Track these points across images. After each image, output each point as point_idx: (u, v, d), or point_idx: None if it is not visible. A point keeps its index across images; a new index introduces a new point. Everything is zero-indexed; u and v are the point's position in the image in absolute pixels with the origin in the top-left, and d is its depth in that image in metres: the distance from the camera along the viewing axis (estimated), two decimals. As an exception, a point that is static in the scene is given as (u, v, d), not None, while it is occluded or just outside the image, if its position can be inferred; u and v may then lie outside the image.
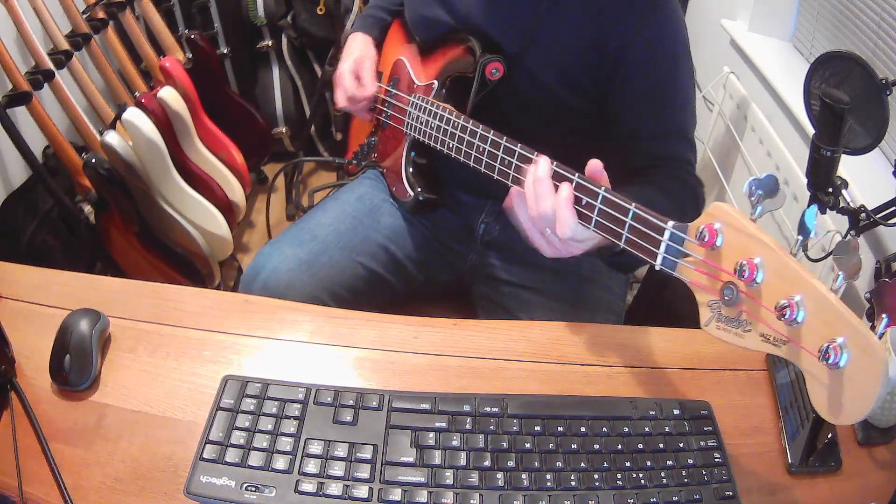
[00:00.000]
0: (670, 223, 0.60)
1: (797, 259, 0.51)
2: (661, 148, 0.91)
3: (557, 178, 0.70)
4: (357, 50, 1.11)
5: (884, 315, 0.52)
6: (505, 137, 0.80)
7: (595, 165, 0.68)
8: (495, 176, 0.82)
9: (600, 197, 0.66)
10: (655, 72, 0.88)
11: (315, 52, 2.21)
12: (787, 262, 0.50)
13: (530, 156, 0.75)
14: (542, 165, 0.71)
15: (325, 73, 2.13)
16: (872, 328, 0.48)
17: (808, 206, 0.76)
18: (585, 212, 0.68)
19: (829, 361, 0.46)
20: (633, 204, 0.63)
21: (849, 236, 0.60)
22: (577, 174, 0.69)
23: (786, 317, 0.49)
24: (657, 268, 0.61)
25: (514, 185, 0.79)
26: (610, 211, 0.65)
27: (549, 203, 0.69)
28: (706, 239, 0.55)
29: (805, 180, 0.77)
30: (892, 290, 0.58)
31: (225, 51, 2.11)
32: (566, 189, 0.68)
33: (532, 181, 0.71)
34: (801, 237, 0.52)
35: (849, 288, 0.49)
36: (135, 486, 0.64)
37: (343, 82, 1.08)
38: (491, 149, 0.82)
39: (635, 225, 0.63)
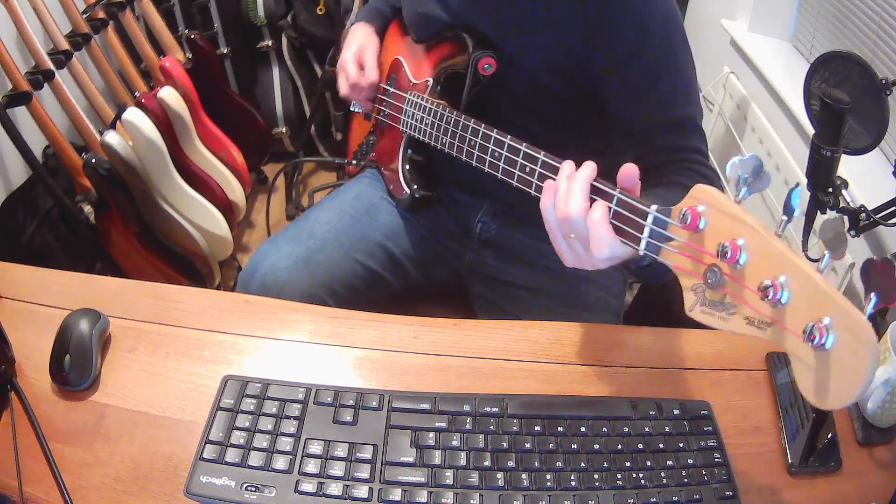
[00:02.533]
0: (653, 206, 0.59)
1: (782, 239, 0.49)
2: (668, 140, 0.88)
3: (598, 192, 0.66)
4: (360, 38, 1.11)
5: (872, 294, 0.51)
6: (496, 130, 0.80)
7: (629, 170, 0.65)
8: (486, 168, 0.82)
9: (615, 198, 0.65)
10: (651, 58, 0.85)
11: (315, 52, 2.21)
12: (772, 243, 0.48)
13: (526, 150, 0.74)
14: (584, 167, 0.67)
15: (325, 73, 2.13)
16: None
17: (809, 208, 0.76)
18: (627, 228, 0.65)
19: (815, 342, 0.44)
20: (618, 189, 0.63)
21: (836, 215, 0.59)
22: (617, 189, 0.64)
23: (769, 297, 0.47)
24: (641, 252, 0.60)
25: (504, 177, 0.79)
26: (593, 197, 0.65)
27: (577, 206, 0.65)
28: (689, 221, 0.54)
29: (805, 180, 0.77)
30: (879, 269, 0.57)
31: (225, 51, 2.11)
32: (601, 207, 0.64)
33: (565, 177, 0.68)
34: (785, 217, 0.50)
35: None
36: (135, 486, 0.64)
37: (346, 69, 1.08)
38: (482, 142, 0.82)
39: (619, 210, 0.63)
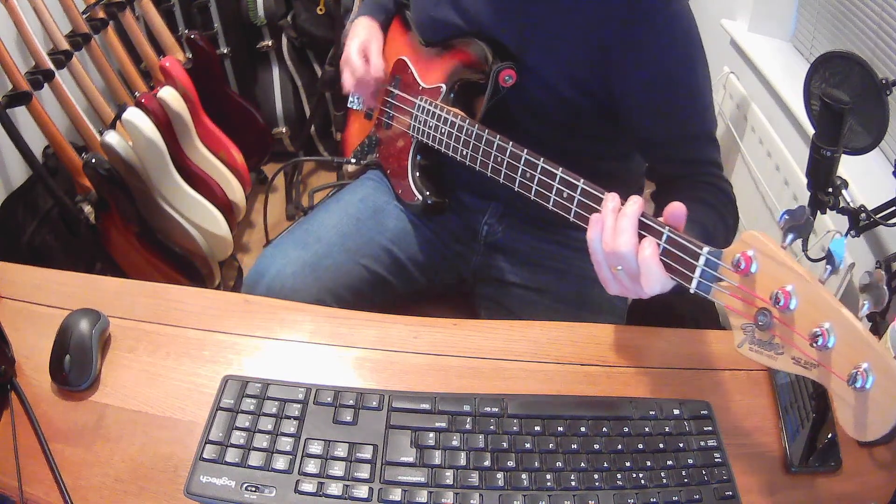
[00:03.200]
0: (706, 249, 0.61)
1: (825, 286, 0.53)
2: (686, 152, 0.89)
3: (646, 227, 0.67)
4: (363, 32, 1.09)
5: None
6: (526, 150, 0.79)
7: (677, 209, 0.65)
8: (516, 188, 0.81)
9: (665, 236, 0.65)
10: (671, 76, 0.86)
11: (315, 52, 2.21)
12: (818, 291, 0.53)
13: (569, 178, 0.73)
14: (630, 204, 0.67)
15: (325, 73, 2.13)
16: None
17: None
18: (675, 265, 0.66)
19: (857, 385, 0.49)
20: (667, 228, 0.64)
21: (875, 269, 0.62)
22: (667, 227, 0.65)
23: (818, 343, 0.52)
24: (692, 291, 0.63)
25: (538, 199, 0.78)
26: (643, 233, 0.65)
27: (627, 241, 0.65)
28: (742, 267, 0.57)
29: (805, 180, 0.77)
30: None
31: (225, 51, 2.11)
32: (651, 245, 0.64)
33: (611, 211, 0.67)
34: (829, 267, 0.54)
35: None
36: (135, 486, 0.64)
37: (351, 63, 1.06)
38: (510, 160, 0.81)
39: (670, 249, 0.64)
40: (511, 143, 0.81)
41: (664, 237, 0.64)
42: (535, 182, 0.78)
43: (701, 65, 0.88)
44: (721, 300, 0.61)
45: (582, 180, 0.73)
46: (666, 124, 0.89)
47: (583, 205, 0.72)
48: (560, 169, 0.75)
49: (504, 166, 0.82)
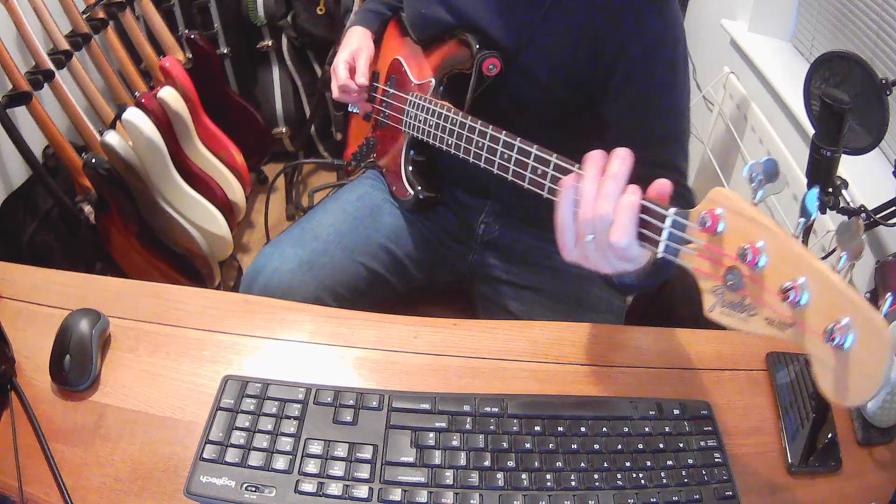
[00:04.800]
0: (672, 210, 0.59)
1: (799, 240, 0.50)
2: (654, 153, 0.88)
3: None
4: (355, 42, 1.11)
5: (889, 294, 0.52)
6: (504, 132, 0.80)
7: (662, 187, 0.62)
8: (494, 170, 0.82)
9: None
10: (652, 77, 0.88)
11: (315, 52, 2.21)
12: (790, 245, 0.49)
13: (536, 153, 0.73)
14: (618, 163, 0.62)
15: (325, 73, 2.13)
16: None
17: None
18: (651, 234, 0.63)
19: (835, 343, 0.46)
20: (637, 195, 0.62)
21: (852, 219, 0.60)
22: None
23: (790, 299, 0.48)
24: (659, 255, 0.60)
25: (515, 179, 0.78)
26: None
27: (610, 206, 0.61)
28: (708, 224, 0.54)
29: (805, 180, 0.77)
30: (894, 269, 0.58)
31: (225, 51, 2.11)
32: (635, 192, 0.61)
33: (593, 175, 0.63)
34: (803, 219, 0.51)
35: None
36: (135, 486, 0.64)
37: (337, 73, 1.08)
38: (490, 143, 0.82)
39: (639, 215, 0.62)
40: (491, 126, 0.82)
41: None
42: (513, 162, 0.77)
43: (682, 72, 0.90)
44: (688, 262, 0.57)
45: (555, 155, 0.71)
46: (639, 121, 0.90)
47: (556, 179, 0.71)
48: (535, 147, 0.74)
49: (485, 150, 0.83)
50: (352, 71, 1.08)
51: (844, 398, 0.47)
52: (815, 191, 0.51)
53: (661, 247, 0.60)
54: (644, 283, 0.71)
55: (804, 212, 0.51)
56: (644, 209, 0.61)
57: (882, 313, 0.46)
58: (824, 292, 0.47)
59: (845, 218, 0.79)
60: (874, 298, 0.76)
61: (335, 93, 1.10)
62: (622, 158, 0.62)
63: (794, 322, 0.49)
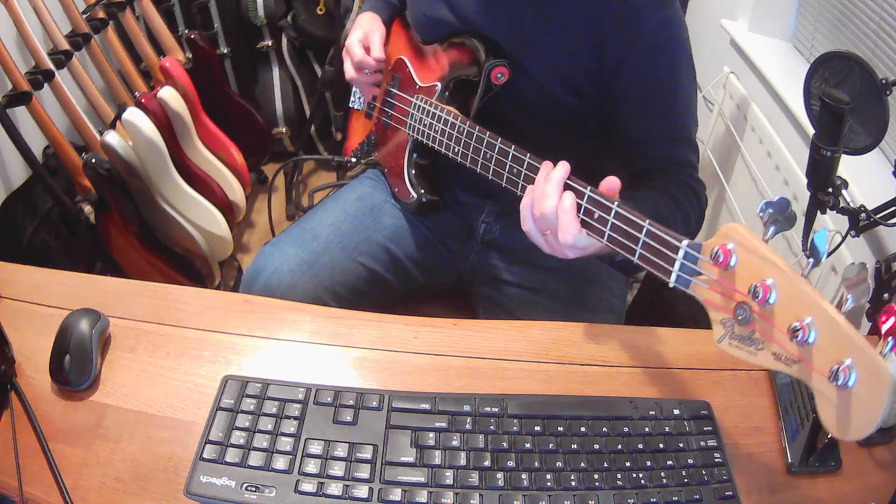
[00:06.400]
0: (685, 242, 0.60)
1: (807, 280, 0.52)
2: (664, 152, 0.91)
3: (570, 188, 0.70)
4: (366, 24, 1.11)
5: (890, 338, 0.54)
6: (514, 146, 0.80)
7: (612, 182, 0.69)
8: (503, 184, 0.82)
9: (613, 212, 0.66)
10: (657, 77, 0.88)
11: (315, 52, 2.21)
12: (799, 285, 0.51)
13: (538, 165, 0.75)
14: (558, 168, 0.71)
15: (325, 73, 2.13)
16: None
17: (809, 208, 0.76)
18: (598, 225, 0.68)
19: (839, 382, 0.48)
20: (647, 221, 0.63)
21: (859, 263, 0.61)
22: (589, 187, 0.69)
23: (798, 338, 0.50)
24: (671, 285, 0.62)
25: (523, 194, 0.79)
26: (623, 226, 0.65)
27: (552, 204, 0.70)
28: (720, 260, 0.56)
29: (805, 180, 0.77)
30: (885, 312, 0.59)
31: (225, 51, 2.11)
32: (570, 198, 0.69)
33: (542, 178, 0.72)
34: (812, 260, 0.53)
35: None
36: (135, 486, 0.64)
37: (352, 50, 1.08)
38: (499, 156, 0.82)
39: (649, 242, 0.63)
40: (500, 139, 0.82)
41: (644, 230, 0.63)
42: (522, 178, 0.79)
43: (687, 70, 0.90)
44: (700, 294, 0.59)
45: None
46: (647, 123, 0.91)
47: None
48: (528, 155, 0.77)
49: (493, 163, 0.83)
50: (366, 50, 1.08)
51: (846, 433, 0.49)
52: (825, 231, 0.53)
53: (673, 277, 0.61)
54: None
55: (814, 253, 0.52)
56: (655, 237, 0.63)
57: (883, 355, 0.48)
58: (830, 332, 0.49)
59: (845, 218, 0.79)
60: (871, 318, 0.77)
61: (349, 72, 1.09)
62: (561, 164, 0.71)
63: (800, 359, 0.52)
